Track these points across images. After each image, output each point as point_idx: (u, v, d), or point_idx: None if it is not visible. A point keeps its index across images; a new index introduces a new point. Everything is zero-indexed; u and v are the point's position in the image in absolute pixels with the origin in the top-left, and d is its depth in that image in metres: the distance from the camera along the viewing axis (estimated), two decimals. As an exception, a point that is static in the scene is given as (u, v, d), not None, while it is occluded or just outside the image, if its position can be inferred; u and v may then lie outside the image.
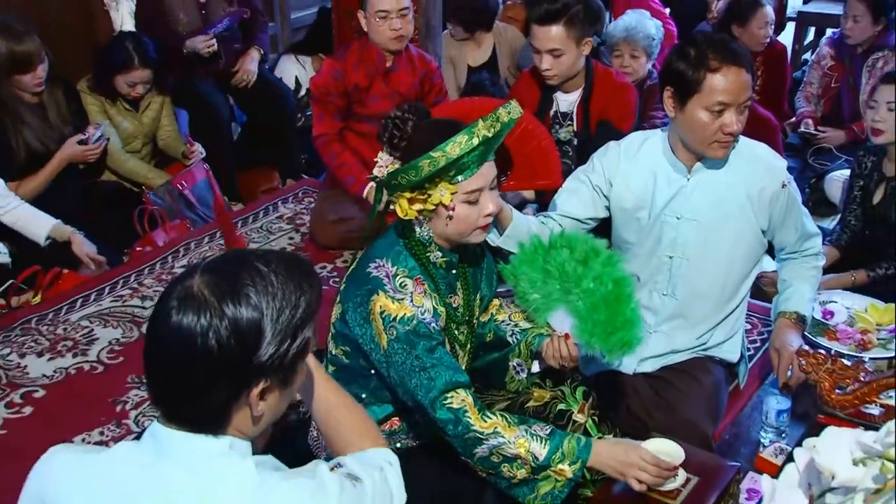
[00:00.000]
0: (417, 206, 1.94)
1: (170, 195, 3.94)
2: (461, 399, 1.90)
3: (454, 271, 2.12)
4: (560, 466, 1.89)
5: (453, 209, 1.95)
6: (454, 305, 2.13)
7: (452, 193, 1.93)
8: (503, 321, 2.31)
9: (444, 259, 2.07)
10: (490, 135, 1.89)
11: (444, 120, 2.06)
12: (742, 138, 2.40)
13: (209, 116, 4.28)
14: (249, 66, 4.40)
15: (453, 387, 1.91)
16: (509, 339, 2.27)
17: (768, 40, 4.45)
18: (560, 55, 3.08)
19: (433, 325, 1.98)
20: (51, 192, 3.64)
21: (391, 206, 2.01)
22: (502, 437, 1.88)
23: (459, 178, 1.93)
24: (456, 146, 1.85)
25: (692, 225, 2.38)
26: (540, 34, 3.07)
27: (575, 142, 3.29)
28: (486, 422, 1.89)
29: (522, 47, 4.65)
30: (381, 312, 1.93)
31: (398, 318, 1.93)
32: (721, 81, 2.22)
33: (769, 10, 4.42)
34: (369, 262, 2.00)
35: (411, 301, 1.95)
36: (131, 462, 1.29)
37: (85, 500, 1.29)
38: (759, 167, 2.39)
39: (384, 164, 1.97)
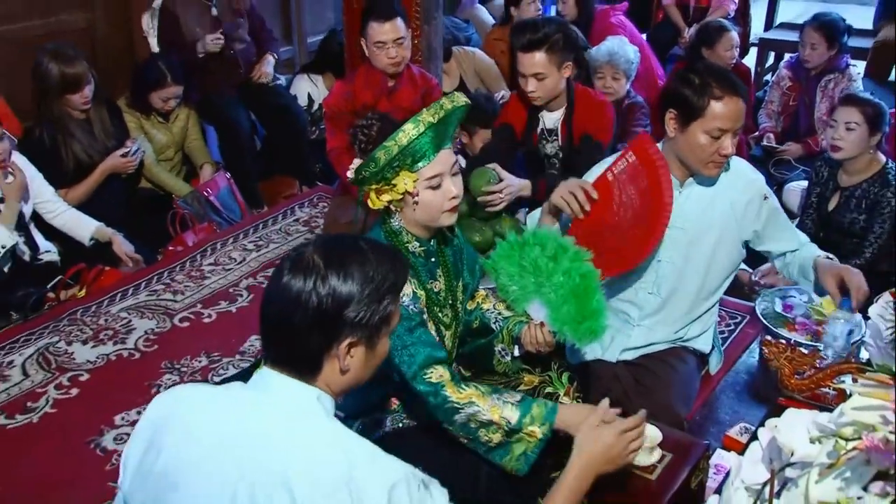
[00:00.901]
0: (386, 197, 1.96)
1: (198, 201, 3.95)
2: (439, 374, 1.93)
3: (433, 259, 2.11)
4: (531, 428, 1.91)
5: (417, 195, 1.96)
6: (435, 290, 2.12)
7: (415, 181, 1.93)
8: (488, 309, 2.32)
9: (422, 248, 2.06)
10: (434, 121, 1.89)
11: (398, 120, 2.06)
12: None
13: (233, 131, 4.29)
14: (266, 68, 4.51)
15: (431, 362, 1.94)
16: (493, 326, 2.28)
17: (734, 61, 4.46)
18: (543, 79, 3.09)
19: (412, 307, 1.98)
20: (94, 199, 3.67)
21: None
22: (477, 405, 1.91)
23: (419, 165, 1.93)
24: (404, 135, 1.87)
25: (680, 233, 2.37)
26: (524, 60, 3.09)
27: (560, 155, 3.31)
28: (461, 393, 1.92)
29: (490, 69, 4.68)
30: None
31: None
32: (722, 109, 2.21)
33: (734, 35, 4.43)
34: None
35: None
36: (237, 395, 1.41)
37: (196, 422, 1.37)
38: (741, 182, 2.39)
39: (355, 167, 1.98)
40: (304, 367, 1.38)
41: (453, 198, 1.99)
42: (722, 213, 2.38)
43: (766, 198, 2.41)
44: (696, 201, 2.38)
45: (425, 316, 2.05)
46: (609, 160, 2.41)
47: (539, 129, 3.31)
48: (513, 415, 1.91)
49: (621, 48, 3.88)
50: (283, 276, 1.37)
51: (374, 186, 1.95)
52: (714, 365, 2.66)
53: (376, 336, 1.42)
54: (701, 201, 2.37)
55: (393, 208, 2.01)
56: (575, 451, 1.73)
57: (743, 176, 2.42)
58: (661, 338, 2.49)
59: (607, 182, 2.33)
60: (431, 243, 2.10)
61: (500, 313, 2.30)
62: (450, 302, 2.18)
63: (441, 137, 1.96)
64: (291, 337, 1.37)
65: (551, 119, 3.27)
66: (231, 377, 2.70)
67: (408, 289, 1.99)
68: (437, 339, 2.10)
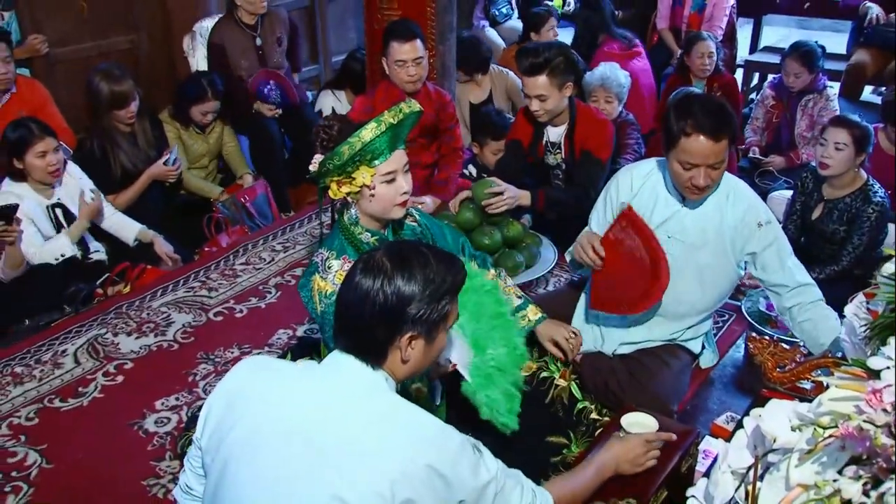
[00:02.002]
0: (345, 189, 2.00)
1: (234, 206, 3.97)
2: None
3: None
4: None
5: (374, 188, 2.00)
6: None
7: (372, 175, 1.97)
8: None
9: (374, 238, 2.08)
10: (394, 122, 1.94)
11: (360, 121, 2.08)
12: (735, 179, 2.36)
13: (266, 143, 4.31)
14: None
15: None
16: None
17: (710, 69, 4.48)
18: (545, 99, 3.09)
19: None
20: (138, 203, 3.71)
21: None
22: (403, 385, 1.91)
23: (377, 161, 1.97)
24: (368, 132, 1.91)
25: (679, 244, 2.34)
26: (528, 83, 3.10)
27: (563, 166, 3.31)
28: None
29: (518, 90, 4.65)
30: (318, 290, 2.00)
31: (325, 293, 1.99)
32: (692, 145, 2.14)
33: (709, 44, 4.46)
34: (315, 252, 2.08)
35: (333, 279, 2.00)
36: (310, 373, 1.50)
37: (274, 390, 1.44)
38: (741, 206, 2.33)
39: (316, 162, 2.02)
40: (371, 355, 1.44)
41: (404, 192, 2.04)
42: (717, 231, 2.33)
43: (760, 225, 2.32)
44: (696, 217, 2.34)
45: None
46: (609, 221, 2.42)
47: (545, 142, 3.31)
48: (435, 392, 2.01)
49: (613, 73, 3.89)
50: (356, 275, 1.44)
51: (335, 178, 1.99)
52: (708, 361, 2.63)
53: (435, 331, 1.47)
54: (700, 217, 2.34)
55: (350, 200, 2.04)
56: (604, 448, 1.82)
57: (744, 201, 2.34)
58: (657, 335, 2.48)
59: (609, 240, 2.36)
60: (385, 233, 2.13)
61: (508, 299, 2.30)
62: None
63: (396, 138, 2.01)
64: (361, 329, 1.43)
65: (555, 133, 3.28)
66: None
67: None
68: None
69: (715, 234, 2.34)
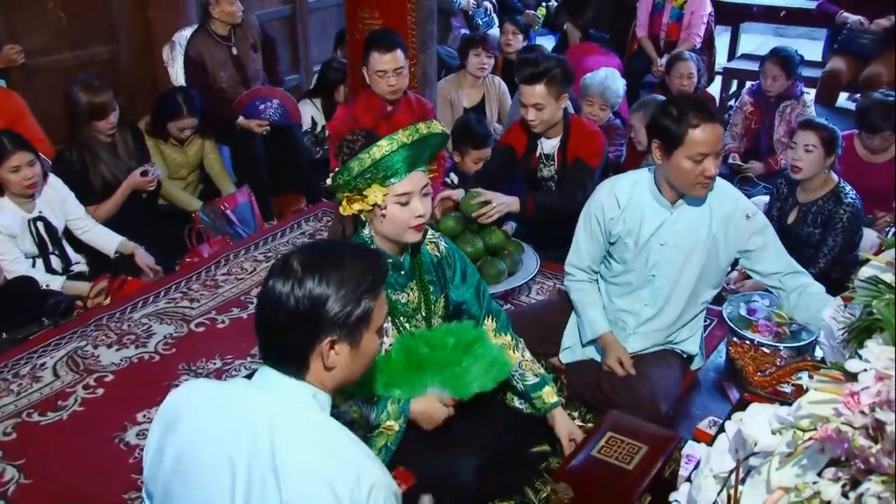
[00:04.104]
0: (356, 206, 1.93)
1: (214, 214, 3.95)
2: None
3: (402, 272, 2.08)
4: (388, 423, 1.96)
5: (386, 209, 1.93)
6: (403, 301, 2.10)
7: (385, 195, 1.91)
8: (513, 367, 2.20)
9: (389, 260, 2.03)
10: (407, 141, 1.87)
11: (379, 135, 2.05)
12: (717, 177, 2.39)
13: (248, 152, 4.29)
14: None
15: None
16: (512, 384, 2.22)
17: (689, 90, 4.49)
18: (542, 108, 3.11)
19: None
20: (118, 215, 3.67)
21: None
22: (338, 408, 1.91)
23: (392, 181, 1.91)
24: (378, 149, 1.85)
25: (673, 250, 2.37)
26: (526, 91, 3.11)
27: (556, 178, 3.33)
28: None
29: (511, 102, 4.71)
30: None
31: None
32: (700, 135, 2.20)
33: (689, 65, 4.50)
34: None
35: None
36: (240, 389, 1.40)
37: (203, 411, 1.37)
38: (726, 202, 2.38)
39: (332, 174, 1.97)
40: (293, 364, 1.37)
41: (419, 216, 1.96)
42: (709, 230, 2.37)
43: (748, 216, 2.37)
44: (686, 221, 2.37)
45: None
46: (597, 240, 2.49)
47: (538, 154, 3.32)
48: (370, 413, 1.95)
49: (613, 83, 3.99)
50: (269, 281, 1.37)
51: (346, 194, 1.93)
52: (697, 362, 2.65)
53: (358, 334, 1.39)
54: (690, 221, 2.37)
55: (363, 218, 1.99)
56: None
57: (729, 195, 2.40)
58: (653, 342, 2.51)
59: None
60: (402, 258, 2.07)
61: (523, 374, 2.21)
62: (423, 314, 2.14)
63: (415, 159, 1.93)
64: (277, 337, 1.36)
65: (549, 145, 3.29)
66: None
67: None
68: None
69: (706, 234, 2.37)
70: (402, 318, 2.11)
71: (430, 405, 2.03)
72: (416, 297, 2.12)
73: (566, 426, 2.20)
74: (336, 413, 1.82)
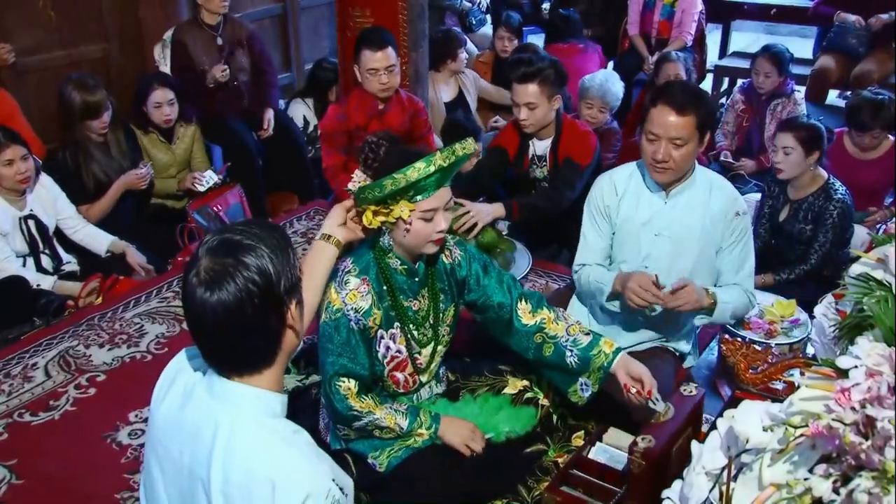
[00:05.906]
0: (381, 219, 1.92)
1: (207, 215, 3.93)
2: (347, 386, 1.98)
3: (416, 279, 2.09)
4: (420, 431, 2.06)
5: (410, 224, 1.93)
6: (414, 308, 2.10)
7: (411, 210, 1.90)
8: (561, 337, 2.12)
9: (404, 267, 2.05)
10: (445, 164, 1.86)
11: (411, 149, 2.04)
12: (712, 173, 2.43)
13: (241, 151, 4.26)
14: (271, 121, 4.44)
15: (345, 374, 1.98)
16: (567, 361, 2.11)
17: None
18: (534, 108, 3.10)
19: (361, 321, 1.99)
20: (110, 214, 3.65)
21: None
22: (375, 414, 2.00)
23: (419, 197, 1.91)
24: (415, 171, 1.82)
25: (666, 240, 2.37)
26: (519, 90, 3.10)
27: (548, 179, 3.33)
28: (362, 403, 2.00)
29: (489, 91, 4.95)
30: (327, 299, 1.98)
31: (333, 307, 1.97)
32: (655, 115, 2.23)
33: (677, 65, 4.45)
34: (343, 259, 2.02)
35: (344, 296, 1.97)
36: (201, 407, 1.37)
37: (174, 400, 1.45)
38: (721, 196, 2.38)
39: (358, 180, 1.95)
40: (264, 360, 1.32)
41: (440, 231, 1.98)
42: (702, 223, 2.37)
43: (738, 214, 2.36)
44: (681, 210, 2.37)
45: (373, 333, 2.04)
46: (604, 227, 2.48)
47: (530, 155, 3.32)
48: (404, 422, 2.04)
49: (614, 86, 3.99)
50: (202, 295, 1.24)
51: (372, 207, 1.91)
52: (690, 360, 2.64)
53: (301, 287, 1.35)
54: (685, 210, 2.37)
55: (385, 229, 1.99)
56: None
57: (727, 191, 2.40)
58: (646, 338, 2.50)
59: None
60: (417, 265, 2.08)
61: (575, 341, 2.11)
62: (430, 322, 2.14)
63: (444, 177, 1.94)
64: (244, 338, 1.28)
65: (541, 146, 3.29)
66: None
67: (363, 304, 1.98)
68: (406, 354, 2.12)
69: (700, 227, 2.37)
70: (411, 326, 2.11)
71: (462, 421, 2.13)
72: (426, 305, 2.13)
73: (624, 367, 2.07)
74: (366, 420, 2.00)
